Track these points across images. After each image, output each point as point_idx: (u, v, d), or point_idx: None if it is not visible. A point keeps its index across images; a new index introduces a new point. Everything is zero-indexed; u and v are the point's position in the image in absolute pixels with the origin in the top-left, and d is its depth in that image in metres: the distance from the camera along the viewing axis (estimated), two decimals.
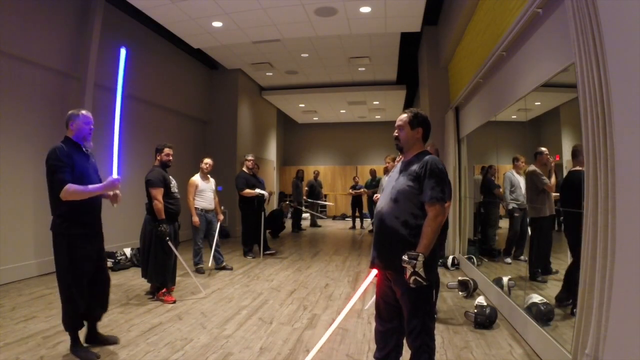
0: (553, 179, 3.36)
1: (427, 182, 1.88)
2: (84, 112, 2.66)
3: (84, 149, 2.68)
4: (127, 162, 3.79)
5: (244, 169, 6.25)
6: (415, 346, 1.91)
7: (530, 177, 3.54)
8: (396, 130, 2.07)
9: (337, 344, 2.90)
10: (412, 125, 2.02)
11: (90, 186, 2.54)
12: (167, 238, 3.82)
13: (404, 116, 2.06)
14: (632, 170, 1.64)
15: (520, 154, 4.36)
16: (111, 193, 2.74)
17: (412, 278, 1.80)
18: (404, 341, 2.03)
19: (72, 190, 2.47)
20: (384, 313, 2.00)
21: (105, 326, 3.14)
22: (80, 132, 2.63)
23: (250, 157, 6.27)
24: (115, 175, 2.59)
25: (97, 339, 2.80)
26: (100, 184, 2.57)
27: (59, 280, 2.58)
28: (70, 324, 2.60)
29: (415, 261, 1.80)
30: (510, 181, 4.28)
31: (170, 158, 4.07)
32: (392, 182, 2.05)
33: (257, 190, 6.12)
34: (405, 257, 1.83)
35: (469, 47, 5.18)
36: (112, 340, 2.83)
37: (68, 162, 2.51)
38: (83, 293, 2.60)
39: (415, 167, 1.94)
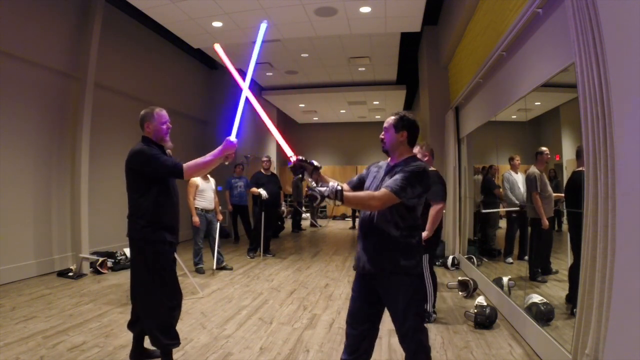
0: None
1: (397, 175, 1.85)
2: (157, 110, 2.37)
3: (166, 150, 2.43)
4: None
5: (261, 169, 6.62)
6: (412, 348, 1.88)
7: (529, 179, 3.54)
8: (382, 132, 2.06)
9: (337, 344, 2.90)
10: (396, 128, 1.98)
11: (209, 155, 2.23)
12: None
13: (391, 118, 2.03)
14: (632, 170, 1.64)
15: (515, 153, 4.37)
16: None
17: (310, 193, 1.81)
18: (375, 345, 2.02)
19: (193, 165, 2.19)
20: (358, 316, 1.99)
21: (105, 326, 3.14)
22: (158, 132, 2.36)
23: (263, 158, 6.64)
24: (233, 137, 2.26)
25: (144, 354, 2.54)
26: (218, 149, 2.24)
27: (150, 292, 2.29)
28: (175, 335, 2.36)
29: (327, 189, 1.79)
30: (509, 181, 4.29)
31: None
32: (376, 183, 2.01)
33: (258, 190, 6.19)
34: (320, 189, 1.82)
35: (469, 47, 5.18)
36: (155, 355, 2.49)
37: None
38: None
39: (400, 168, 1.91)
